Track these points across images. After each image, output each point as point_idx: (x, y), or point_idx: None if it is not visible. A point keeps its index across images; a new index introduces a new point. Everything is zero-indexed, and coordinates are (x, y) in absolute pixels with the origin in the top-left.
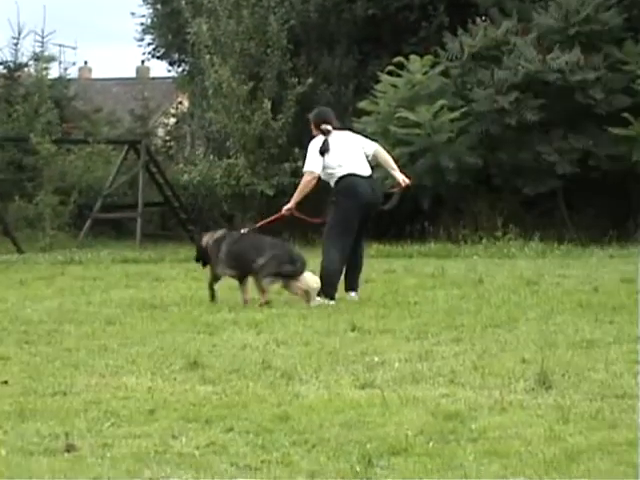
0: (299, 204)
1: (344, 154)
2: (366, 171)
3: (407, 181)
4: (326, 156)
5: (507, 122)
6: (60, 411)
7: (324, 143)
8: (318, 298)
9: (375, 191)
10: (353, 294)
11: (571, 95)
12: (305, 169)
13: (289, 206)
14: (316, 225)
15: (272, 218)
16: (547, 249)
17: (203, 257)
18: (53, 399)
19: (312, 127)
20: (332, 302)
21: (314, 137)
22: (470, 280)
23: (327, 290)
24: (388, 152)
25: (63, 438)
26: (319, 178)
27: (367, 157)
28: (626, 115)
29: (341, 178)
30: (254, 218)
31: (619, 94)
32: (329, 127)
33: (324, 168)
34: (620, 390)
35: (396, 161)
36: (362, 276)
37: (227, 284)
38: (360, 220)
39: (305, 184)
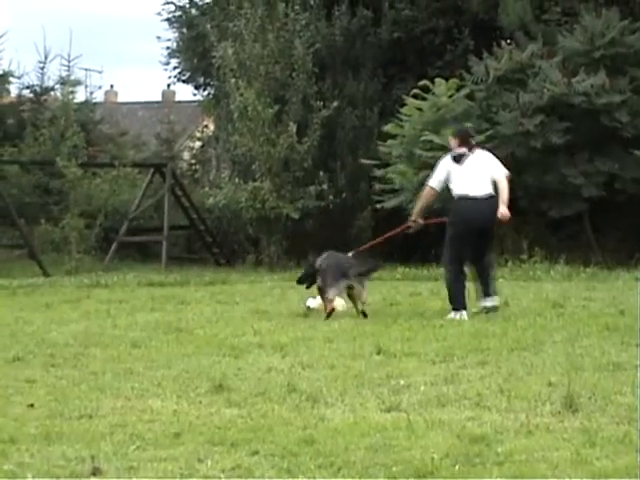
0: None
1: (466, 174)
2: (483, 191)
3: (505, 217)
4: (452, 173)
5: (532, 145)
6: (86, 434)
7: (462, 155)
8: (451, 314)
9: (486, 211)
10: (489, 301)
11: (596, 118)
12: (428, 183)
13: (413, 217)
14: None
15: (397, 230)
16: (573, 272)
17: (309, 278)
18: (79, 422)
19: (453, 141)
20: (463, 314)
21: (450, 151)
22: None
23: (454, 305)
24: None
25: (89, 461)
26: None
27: (492, 178)
28: None
29: (455, 199)
30: (280, 241)
31: None
32: (472, 143)
33: (449, 182)
34: None
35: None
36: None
37: (249, 308)
38: (472, 238)
39: (423, 196)
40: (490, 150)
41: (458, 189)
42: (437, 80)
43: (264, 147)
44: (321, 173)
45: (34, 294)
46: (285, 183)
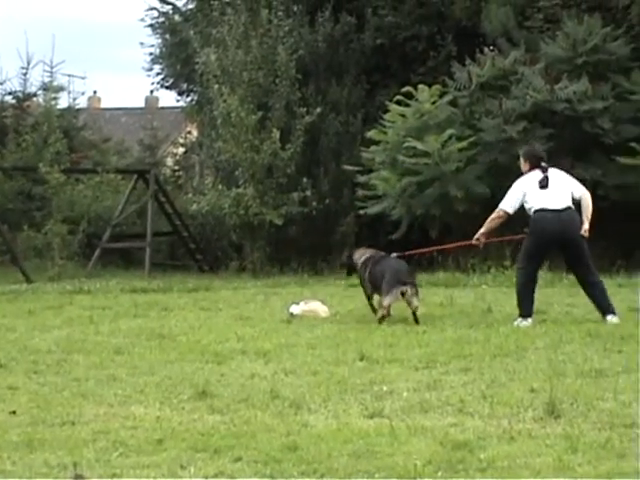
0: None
1: (544, 191)
2: (559, 204)
3: (586, 229)
4: (527, 193)
5: (515, 152)
6: (68, 441)
7: (545, 179)
8: (517, 319)
9: (566, 222)
10: (610, 317)
11: (579, 125)
12: (500, 206)
13: (477, 236)
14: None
15: (459, 244)
16: (555, 278)
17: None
18: (61, 429)
19: (524, 164)
20: (525, 322)
21: (523, 174)
22: (479, 309)
23: (520, 311)
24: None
25: (71, 468)
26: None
27: (572, 196)
28: (634, 145)
29: (534, 213)
30: (263, 247)
31: (627, 124)
32: (544, 164)
33: (525, 203)
34: (629, 419)
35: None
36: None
37: (232, 314)
38: (549, 249)
39: (493, 219)
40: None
41: (536, 204)
42: (420, 86)
43: (247, 153)
44: (304, 179)
45: (17, 300)
46: (268, 189)
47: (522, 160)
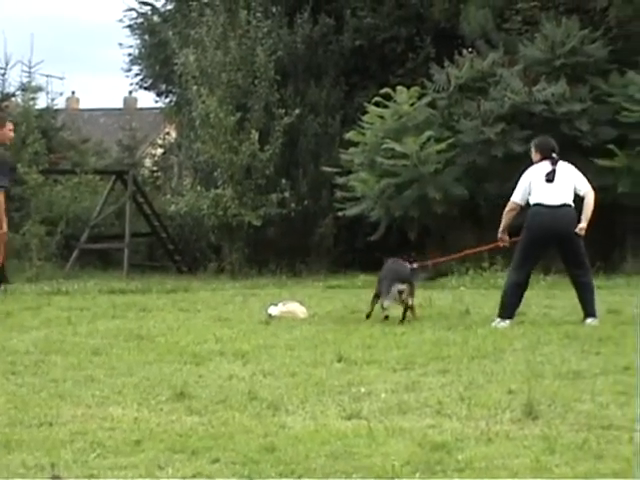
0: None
1: (546, 184)
2: (557, 200)
3: (583, 227)
4: (532, 183)
5: (493, 153)
6: (46, 442)
7: (552, 172)
8: (496, 320)
9: (560, 219)
10: (589, 320)
11: (557, 126)
12: (512, 198)
13: (500, 235)
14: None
15: (486, 247)
16: (533, 280)
17: None
18: (39, 430)
19: (535, 154)
20: (503, 323)
21: (530, 165)
22: (457, 311)
23: (500, 310)
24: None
25: (49, 469)
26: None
27: (576, 192)
28: (611, 147)
29: (531, 207)
30: (242, 249)
31: (605, 126)
32: (555, 156)
33: (528, 194)
34: (606, 421)
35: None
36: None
37: (210, 315)
38: (543, 246)
39: (507, 212)
40: (572, 163)
41: (534, 198)
42: (399, 88)
43: (226, 154)
44: (283, 180)
45: None
46: (247, 190)
47: (533, 150)
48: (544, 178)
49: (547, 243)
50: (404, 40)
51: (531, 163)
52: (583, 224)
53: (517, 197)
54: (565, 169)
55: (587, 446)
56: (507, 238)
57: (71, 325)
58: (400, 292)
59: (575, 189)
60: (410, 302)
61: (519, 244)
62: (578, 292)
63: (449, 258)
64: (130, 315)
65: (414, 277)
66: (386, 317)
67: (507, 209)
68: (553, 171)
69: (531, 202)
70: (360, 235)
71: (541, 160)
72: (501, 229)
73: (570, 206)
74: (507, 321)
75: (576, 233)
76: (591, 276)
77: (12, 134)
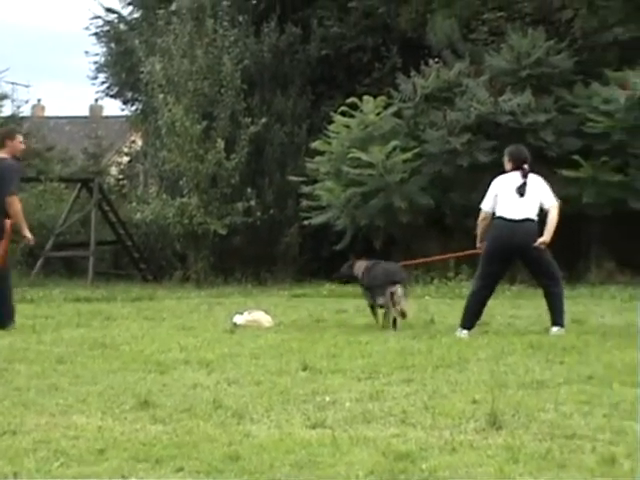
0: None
1: (511, 197)
2: (518, 214)
3: (544, 241)
4: (499, 195)
5: (459, 163)
6: (9, 450)
7: (523, 185)
8: (457, 329)
9: (519, 234)
10: (554, 329)
11: (522, 137)
12: (481, 206)
13: (478, 245)
14: (268, 265)
15: (463, 254)
16: (499, 290)
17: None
18: (2, 439)
19: (507, 162)
20: (464, 333)
21: (500, 174)
22: (422, 320)
23: (462, 320)
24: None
25: (12, 478)
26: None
27: (541, 206)
28: (576, 157)
29: (494, 219)
30: (207, 257)
31: (569, 136)
32: (527, 167)
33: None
34: (570, 430)
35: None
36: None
37: (175, 324)
38: (503, 259)
39: (480, 221)
40: (540, 174)
41: (498, 210)
42: (365, 98)
43: (192, 163)
44: (249, 189)
45: None
46: (213, 199)
47: (506, 159)
48: (515, 191)
49: (507, 256)
50: (371, 50)
51: (497, 173)
52: (545, 238)
53: (486, 205)
54: (534, 182)
55: (550, 456)
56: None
57: (35, 333)
58: (392, 294)
59: (541, 203)
60: (404, 305)
61: (482, 256)
62: (548, 301)
63: (427, 260)
64: (95, 323)
65: (408, 279)
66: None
67: (480, 218)
68: (524, 184)
69: (496, 214)
70: (326, 244)
71: (512, 170)
72: (478, 239)
73: (532, 220)
74: (465, 331)
75: (536, 247)
76: (561, 287)
77: (22, 146)
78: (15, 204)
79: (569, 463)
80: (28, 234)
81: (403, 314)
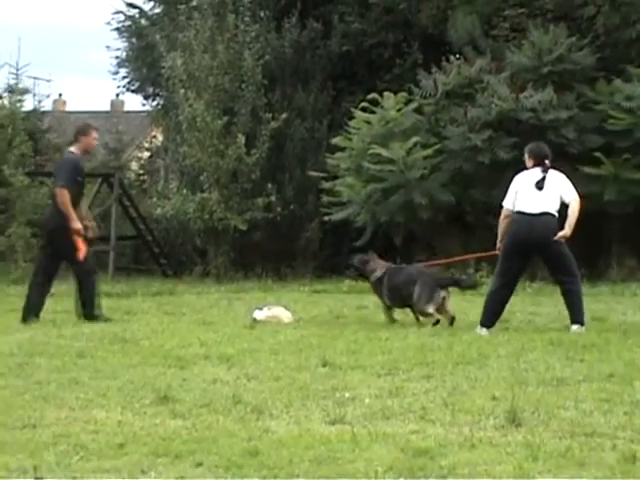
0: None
1: (531, 192)
2: (537, 209)
3: (564, 235)
4: (519, 191)
5: (480, 160)
6: (29, 444)
7: (542, 180)
8: (477, 327)
9: (538, 228)
10: (574, 327)
11: (543, 134)
12: (503, 204)
13: (499, 245)
14: (288, 261)
15: (486, 254)
16: (519, 286)
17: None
18: (22, 432)
19: (528, 160)
20: (484, 331)
21: (524, 169)
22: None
23: (482, 318)
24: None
25: (32, 472)
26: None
27: (561, 200)
28: (598, 154)
29: (513, 214)
30: (227, 252)
31: (591, 133)
32: (548, 163)
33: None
34: (589, 428)
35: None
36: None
37: (195, 319)
38: (522, 254)
39: (502, 220)
40: (562, 171)
41: (517, 205)
42: (386, 94)
43: (212, 158)
44: (269, 185)
45: None
46: (233, 194)
47: (527, 156)
48: (534, 185)
49: (526, 251)
50: (392, 46)
51: (518, 169)
52: (565, 231)
53: (508, 203)
54: (555, 177)
55: (570, 453)
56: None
57: (56, 327)
58: (444, 299)
59: (561, 198)
60: (451, 310)
61: (501, 252)
62: (565, 299)
63: (448, 261)
64: (115, 318)
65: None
66: (437, 321)
67: (502, 217)
68: (543, 178)
69: (515, 209)
70: (346, 240)
71: (533, 166)
72: (499, 238)
73: (552, 215)
74: (484, 330)
75: (555, 241)
76: (579, 284)
77: (95, 142)
78: (61, 195)
79: (589, 461)
80: (76, 224)
81: (452, 319)
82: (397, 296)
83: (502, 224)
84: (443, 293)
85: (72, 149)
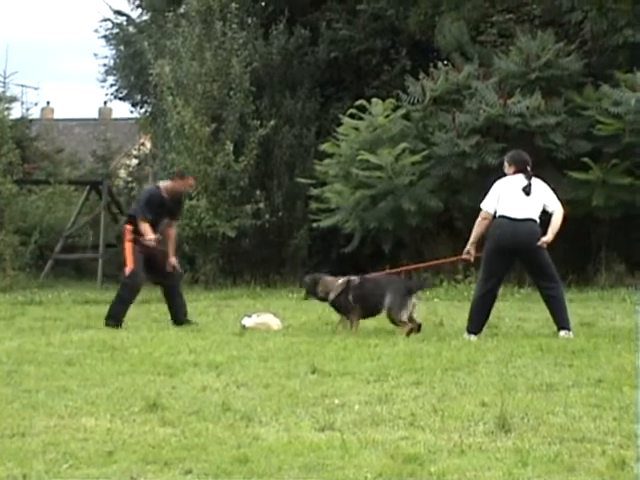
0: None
1: (514, 198)
2: (521, 214)
3: (547, 241)
4: (501, 195)
5: (468, 165)
6: (18, 452)
7: (528, 186)
8: (464, 334)
9: (521, 233)
10: (562, 333)
11: (531, 139)
12: (482, 205)
13: (467, 248)
14: (277, 267)
15: (449, 260)
16: (507, 292)
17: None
18: (11, 440)
19: (509, 167)
20: (472, 337)
21: (503, 177)
22: (431, 323)
23: (468, 325)
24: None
25: None
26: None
27: (545, 208)
28: (586, 160)
29: (496, 218)
30: (216, 260)
31: (579, 139)
32: (530, 170)
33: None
34: (579, 434)
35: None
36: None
37: (184, 326)
38: (505, 259)
39: (478, 223)
40: (549, 176)
41: (501, 209)
42: (374, 100)
43: (201, 165)
44: (258, 192)
45: None
46: (221, 202)
47: (507, 164)
48: (521, 190)
49: (508, 255)
50: (379, 52)
51: (504, 175)
52: (547, 237)
53: (488, 206)
54: (538, 185)
55: (560, 459)
56: (474, 252)
57: (45, 335)
58: (414, 306)
59: (545, 206)
60: (419, 318)
61: (483, 257)
62: (548, 306)
63: (415, 267)
64: (104, 326)
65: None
66: (411, 330)
67: (479, 218)
68: (529, 185)
69: (498, 213)
70: (334, 246)
71: (515, 173)
72: (471, 240)
73: (534, 221)
74: (472, 336)
75: (539, 247)
76: (561, 289)
77: (189, 189)
78: (141, 225)
79: (578, 466)
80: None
81: (420, 327)
82: (368, 307)
83: (479, 227)
84: (413, 300)
85: (161, 184)
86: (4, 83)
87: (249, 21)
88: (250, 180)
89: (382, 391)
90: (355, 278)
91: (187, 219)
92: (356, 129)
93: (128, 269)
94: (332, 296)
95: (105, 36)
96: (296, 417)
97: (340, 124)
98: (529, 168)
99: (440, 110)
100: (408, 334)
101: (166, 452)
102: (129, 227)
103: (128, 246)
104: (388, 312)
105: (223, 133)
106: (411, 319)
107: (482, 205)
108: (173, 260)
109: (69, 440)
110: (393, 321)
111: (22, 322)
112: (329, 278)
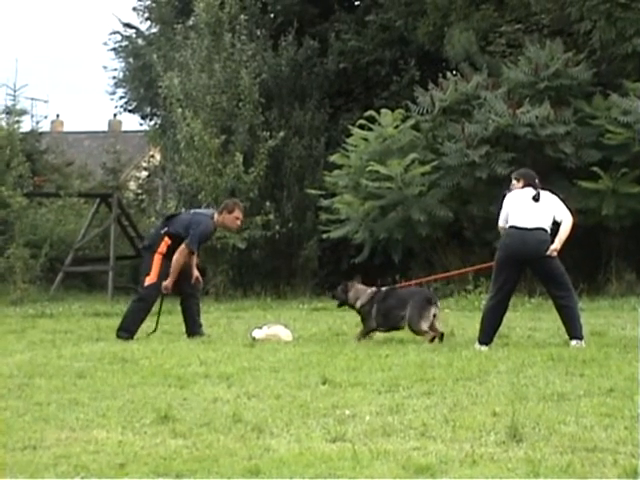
0: None
1: (523, 208)
2: (531, 223)
3: (555, 249)
4: (512, 207)
5: (478, 175)
6: (30, 465)
7: (538, 194)
8: (476, 344)
9: (530, 242)
10: (573, 342)
11: (541, 149)
12: (498, 224)
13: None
14: (287, 279)
15: (475, 268)
16: (518, 302)
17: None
18: (23, 453)
19: (517, 183)
20: (482, 348)
21: (510, 191)
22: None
23: (479, 335)
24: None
25: None
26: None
27: (554, 218)
28: (596, 169)
29: (506, 229)
30: (226, 271)
31: (588, 148)
32: (537, 183)
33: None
34: (591, 443)
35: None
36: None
37: (195, 338)
38: (515, 268)
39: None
40: (559, 186)
41: (510, 220)
42: (383, 111)
43: (210, 177)
44: (267, 203)
45: None
46: None
47: (515, 181)
48: (530, 198)
49: (518, 265)
50: (388, 63)
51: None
52: (555, 245)
53: (502, 222)
54: (548, 197)
55: (571, 469)
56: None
57: (55, 348)
58: (435, 315)
59: (554, 217)
60: (441, 327)
61: (494, 267)
62: (561, 315)
63: (436, 277)
64: (114, 338)
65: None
66: (434, 338)
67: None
68: (538, 193)
69: (508, 224)
70: (345, 257)
71: (524, 187)
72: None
73: (544, 230)
74: (484, 346)
75: (549, 255)
76: (574, 299)
77: (239, 222)
78: (181, 253)
79: (590, 476)
80: (167, 283)
81: (442, 335)
82: (388, 321)
83: None
84: (434, 310)
85: (215, 215)
86: (14, 96)
87: (258, 33)
88: (260, 191)
89: (393, 401)
90: (382, 290)
91: None
92: (365, 140)
93: (149, 280)
94: (359, 304)
95: (114, 49)
96: (307, 428)
97: (349, 135)
98: (537, 182)
99: (449, 120)
100: (431, 341)
101: (177, 464)
102: (168, 241)
103: (157, 258)
104: (409, 325)
105: (232, 145)
106: (432, 328)
107: (499, 223)
108: (196, 272)
109: (80, 453)
110: (415, 332)
111: (33, 335)
112: (361, 286)
